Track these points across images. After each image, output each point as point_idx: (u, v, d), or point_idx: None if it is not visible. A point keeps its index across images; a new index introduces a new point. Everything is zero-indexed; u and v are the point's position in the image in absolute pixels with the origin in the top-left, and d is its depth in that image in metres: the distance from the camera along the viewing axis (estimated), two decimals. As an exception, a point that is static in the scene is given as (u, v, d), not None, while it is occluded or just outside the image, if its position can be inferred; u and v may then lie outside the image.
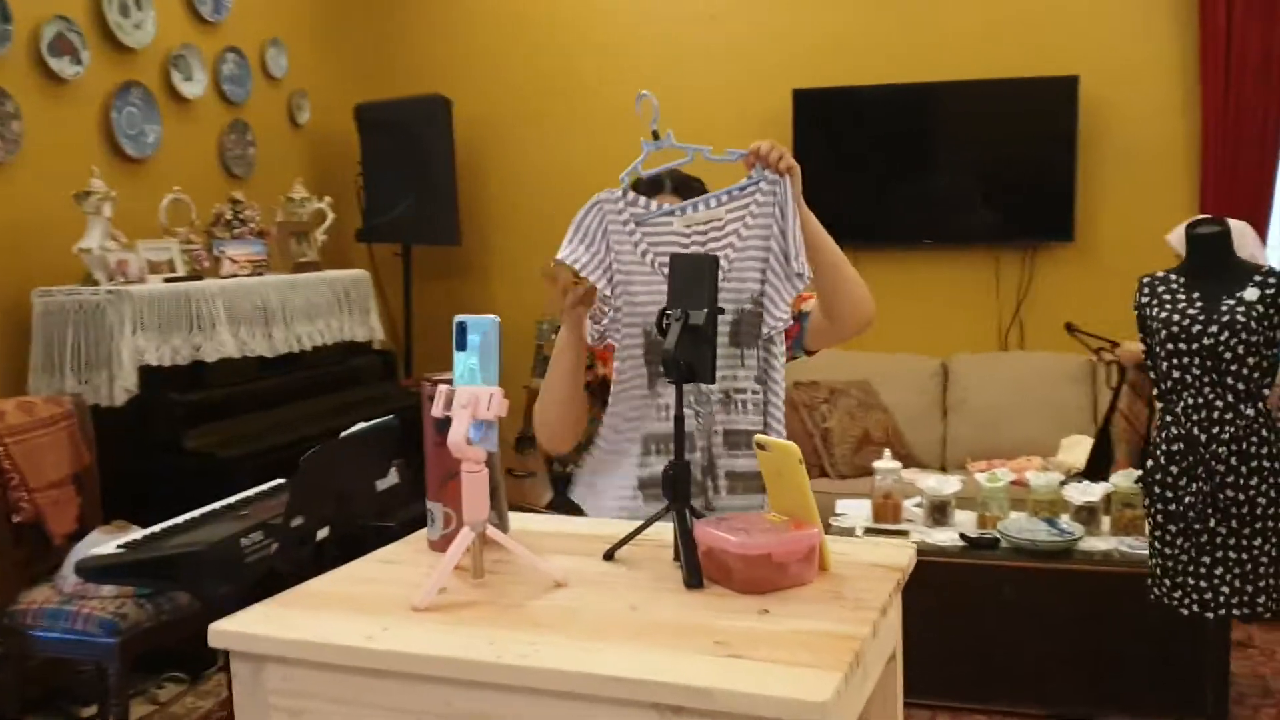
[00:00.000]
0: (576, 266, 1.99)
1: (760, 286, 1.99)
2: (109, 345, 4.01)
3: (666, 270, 1.83)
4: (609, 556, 1.54)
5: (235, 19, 5.27)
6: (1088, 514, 3.82)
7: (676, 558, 1.50)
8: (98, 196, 4.14)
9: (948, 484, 3.97)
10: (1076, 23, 5.24)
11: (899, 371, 5.34)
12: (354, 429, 3.44)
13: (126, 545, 3.09)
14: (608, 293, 2.01)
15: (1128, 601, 3.48)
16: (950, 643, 3.71)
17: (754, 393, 1.97)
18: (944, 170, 5.47)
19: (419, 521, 4.81)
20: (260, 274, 4.76)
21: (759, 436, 1.49)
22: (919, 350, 5.40)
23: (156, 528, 3.21)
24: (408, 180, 5.68)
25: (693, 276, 1.50)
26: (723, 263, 1.91)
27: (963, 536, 3.78)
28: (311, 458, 3.11)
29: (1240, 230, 3.94)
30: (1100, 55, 5.21)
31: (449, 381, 1.51)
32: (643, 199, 2.11)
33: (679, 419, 1.51)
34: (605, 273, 2.02)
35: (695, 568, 1.41)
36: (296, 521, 3.18)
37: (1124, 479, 3.82)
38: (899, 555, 1.51)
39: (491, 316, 1.43)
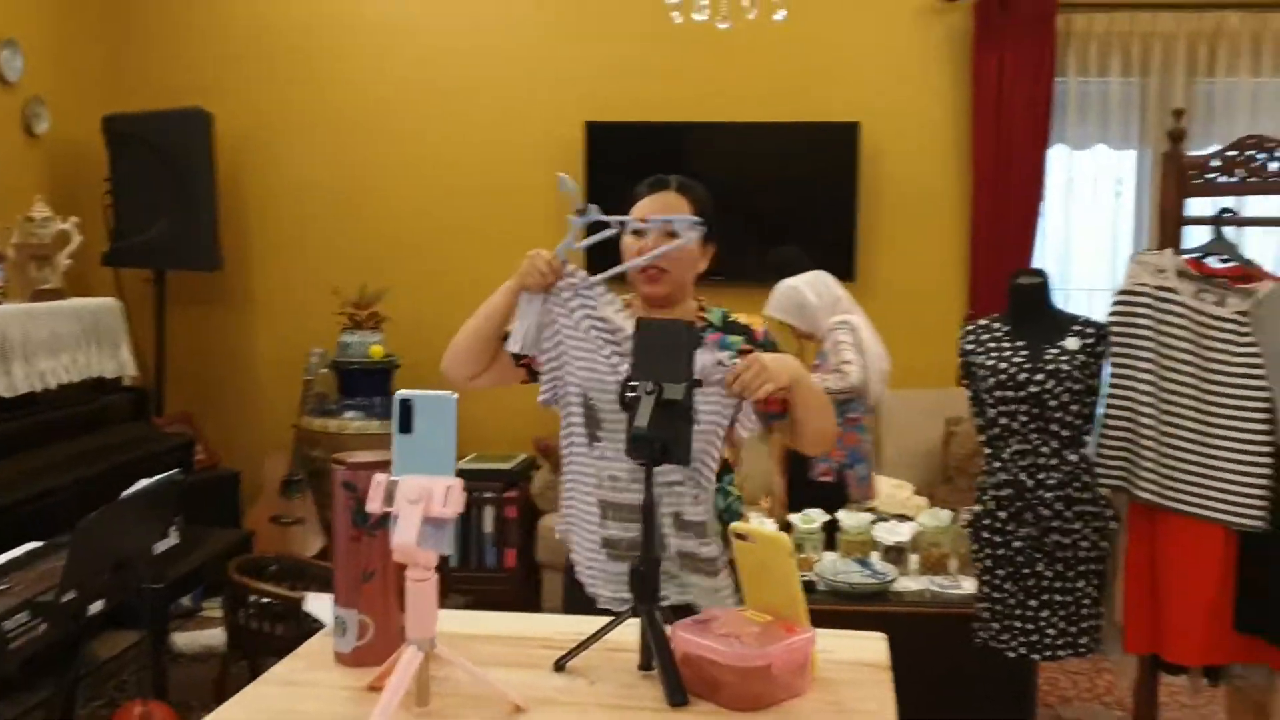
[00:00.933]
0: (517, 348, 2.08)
1: None
2: None
3: (604, 338, 1.91)
4: (560, 667, 1.34)
5: (-38, 14, 4.67)
6: (896, 554, 3.86)
7: (643, 666, 1.32)
8: None
9: (762, 525, 3.93)
10: (858, 71, 5.38)
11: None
12: (135, 488, 3.05)
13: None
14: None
15: (941, 641, 3.52)
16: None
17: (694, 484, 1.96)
18: (733, 209, 5.43)
19: (190, 581, 4.35)
20: (-3, 303, 4.20)
21: (738, 526, 1.33)
22: (708, 387, 5.38)
23: (-110, 608, 2.71)
24: (162, 199, 5.19)
25: (666, 345, 1.33)
26: None
27: (780, 581, 3.73)
28: (88, 524, 2.72)
29: (823, 281, 4.21)
30: (880, 103, 5.36)
31: (374, 466, 1.28)
32: (581, 272, 2.08)
33: (649, 508, 1.34)
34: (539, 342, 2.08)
35: (678, 683, 1.23)
36: (69, 596, 2.77)
37: (931, 518, 3.90)
38: (877, 650, 1.39)
39: (447, 394, 1.21)
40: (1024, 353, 3.10)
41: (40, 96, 5.18)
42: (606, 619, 1.38)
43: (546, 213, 5.39)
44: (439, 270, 5.51)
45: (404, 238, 5.59)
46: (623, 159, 5.36)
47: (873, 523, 3.92)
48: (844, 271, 5.35)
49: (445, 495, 1.18)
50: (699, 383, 1.33)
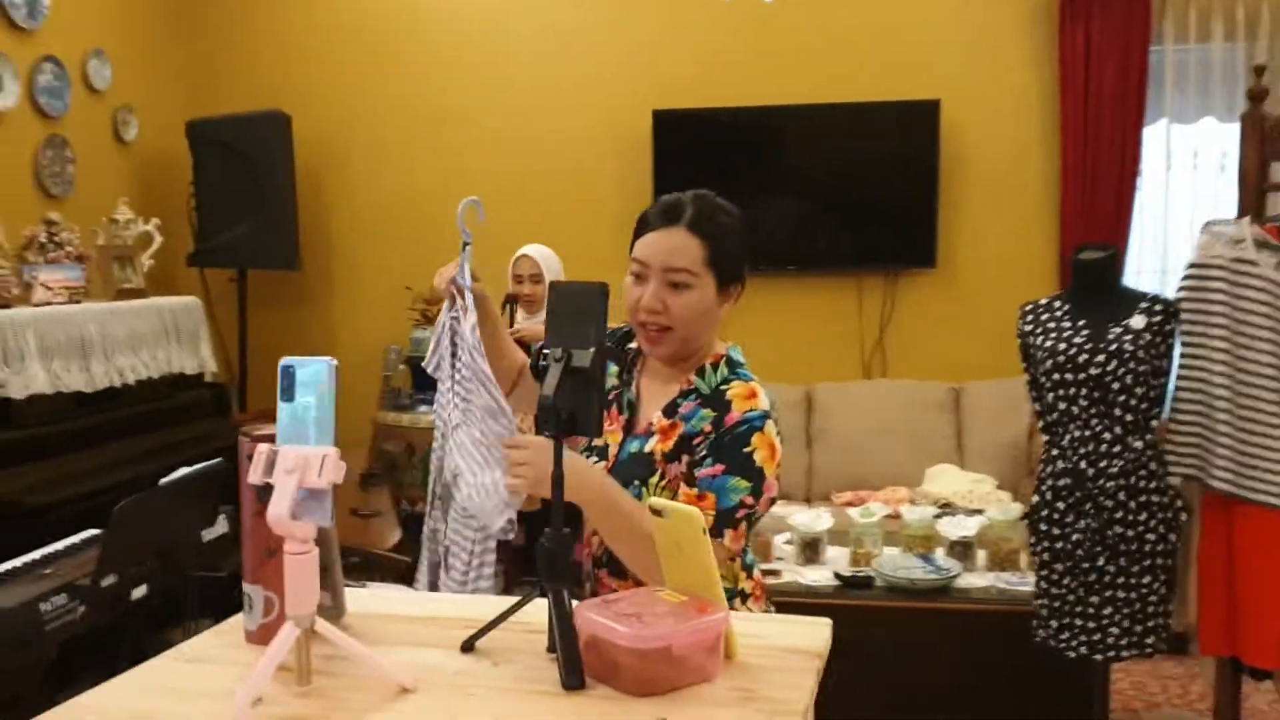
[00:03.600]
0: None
1: None
2: (-105, 382, 3.55)
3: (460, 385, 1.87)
4: (468, 648, 1.27)
5: (53, 26, 4.81)
6: (962, 549, 3.70)
7: (551, 648, 1.24)
8: (-121, 215, 3.68)
9: (820, 520, 3.81)
10: (938, 47, 5.19)
11: (765, 401, 5.18)
12: (175, 475, 3.09)
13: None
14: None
15: (1007, 639, 3.34)
16: (822, 688, 3.52)
17: None
18: (807, 194, 5.35)
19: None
20: (78, 301, 4.32)
21: (654, 501, 1.24)
22: (782, 379, 5.24)
23: (-59, 590, 2.79)
24: (244, 201, 5.29)
25: (577, 309, 1.25)
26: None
27: (837, 576, 3.61)
28: (124, 509, 2.76)
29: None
30: (961, 80, 5.16)
31: (272, 437, 1.23)
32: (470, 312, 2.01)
33: (558, 480, 1.26)
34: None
35: (575, 665, 1.16)
36: (108, 581, 2.82)
37: (1000, 511, 3.72)
38: (815, 636, 1.28)
39: (327, 360, 1.16)
40: (1085, 333, 2.92)
41: (129, 105, 5.33)
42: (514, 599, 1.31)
43: (614, 207, 5.33)
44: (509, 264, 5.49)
45: (475, 237, 5.58)
46: (693, 148, 5.28)
47: (937, 517, 3.76)
48: (925, 257, 5.19)
49: (321, 465, 1.12)
50: (612, 350, 1.24)
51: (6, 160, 4.63)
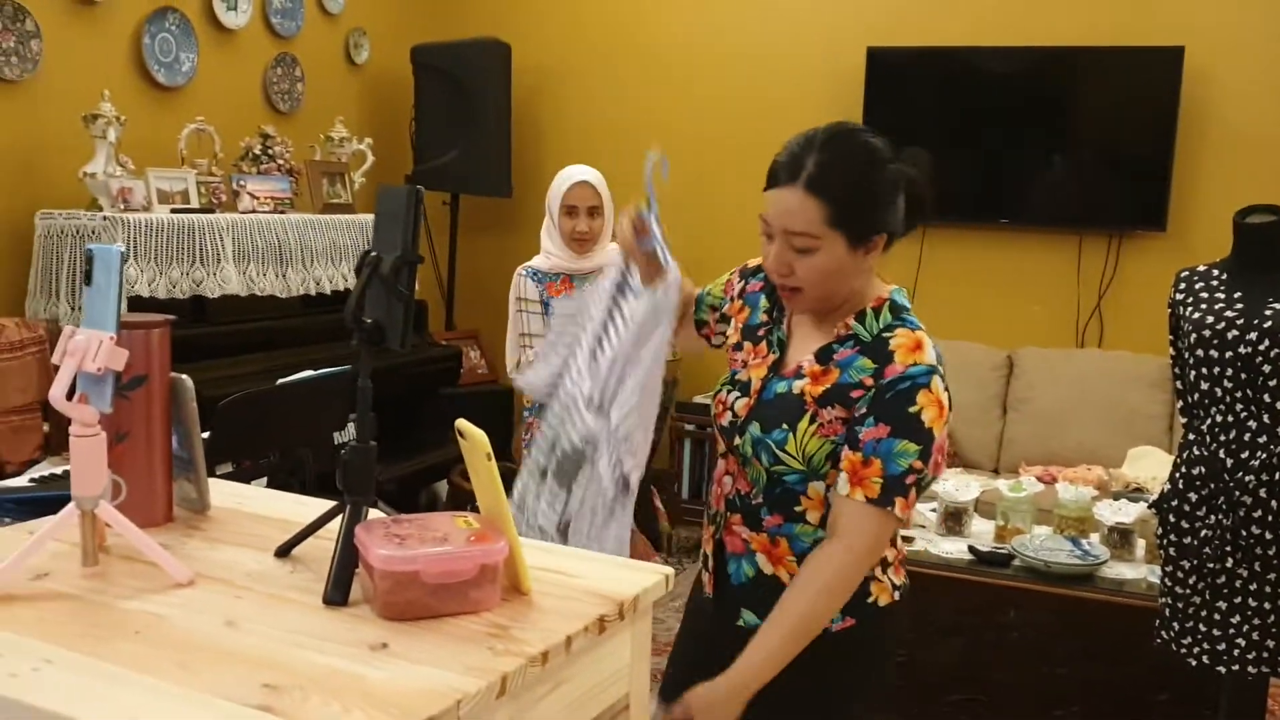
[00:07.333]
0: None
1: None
2: (99, 273, 3.89)
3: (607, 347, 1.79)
4: (281, 553, 1.26)
5: (287, -49, 5.10)
6: (1119, 536, 3.37)
7: (353, 563, 1.21)
8: (104, 120, 4.02)
9: (967, 489, 3.56)
10: (1187, -14, 4.67)
11: (959, 361, 4.86)
12: (295, 377, 3.25)
13: (41, 479, 2.95)
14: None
15: (1149, 639, 3.03)
16: (946, 666, 3.31)
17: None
18: (1026, 144, 4.96)
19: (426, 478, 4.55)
20: (282, 212, 4.59)
21: (459, 422, 1.18)
22: (984, 340, 4.94)
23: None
24: (460, 127, 5.45)
25: (392, 212, 1.19)
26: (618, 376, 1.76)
27: (972, 550, 3.37)
28: (232, 404, 2.92)
29: None
30: (1211, 24, 4.62)
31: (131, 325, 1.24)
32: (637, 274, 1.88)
33: (365, 392, 1.21)
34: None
35: (342, 580, 1.12)
36: (223, 470, 3.00)
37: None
38: (634, 583, 1.18)
39: (115, 246, 1.16)
40: (1239, 306, 2.56)
41: (361, 27, 5.59)
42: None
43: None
44: (714, 201, 5.41)
45: (681, 170, 5.53)
46: (906, 89, 5.01)
47: (1094, 499, 3.43)
48: (1154, 218, 4.73)
49: (97, 350, 1.12)
50: (421, 259, 1.18)
51: (237, 76, 4.96)
